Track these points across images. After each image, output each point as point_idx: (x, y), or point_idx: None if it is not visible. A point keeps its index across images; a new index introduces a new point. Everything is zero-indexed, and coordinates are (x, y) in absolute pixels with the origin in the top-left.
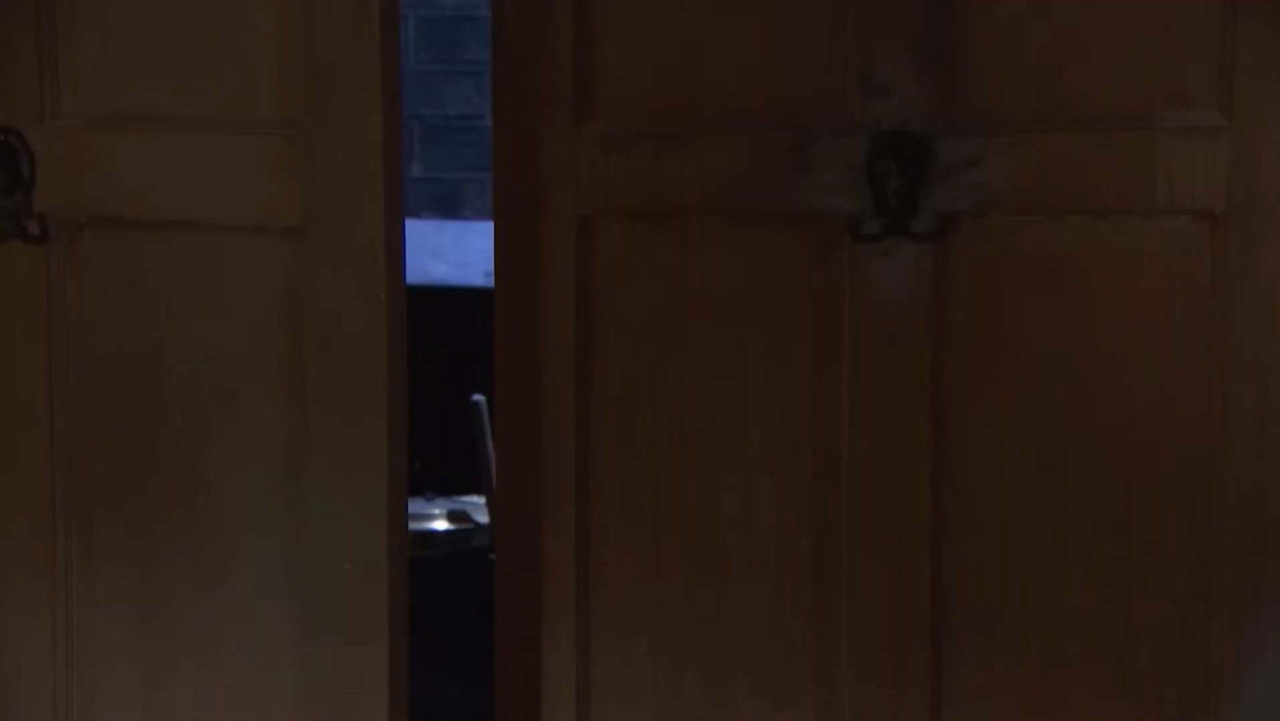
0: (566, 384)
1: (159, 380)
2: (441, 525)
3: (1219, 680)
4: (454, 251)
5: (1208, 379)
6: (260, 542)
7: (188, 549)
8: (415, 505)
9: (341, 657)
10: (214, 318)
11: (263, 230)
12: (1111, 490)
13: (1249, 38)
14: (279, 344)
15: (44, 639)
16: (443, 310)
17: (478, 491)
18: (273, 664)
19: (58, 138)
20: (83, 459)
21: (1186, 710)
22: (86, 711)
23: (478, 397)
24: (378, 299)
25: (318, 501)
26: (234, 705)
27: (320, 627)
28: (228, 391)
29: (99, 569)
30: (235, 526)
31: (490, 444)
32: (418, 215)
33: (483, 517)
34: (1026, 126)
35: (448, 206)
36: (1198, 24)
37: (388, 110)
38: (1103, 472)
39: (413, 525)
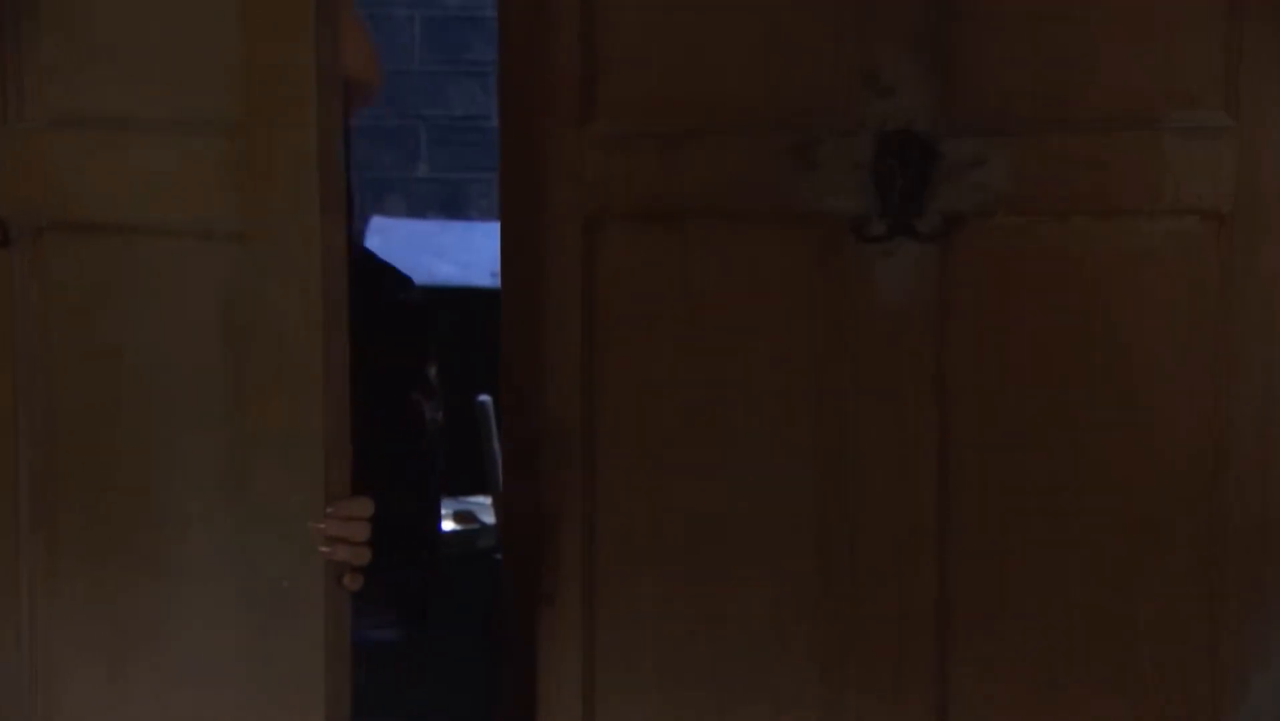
0: (572, 384)
1: (117, 384)
2: (448, 525)
3: (1223, 681)
4: (459, 252)
5: (1213, 379)
6: (211, 551)
7: (145, 552)
8: None
9: (282, 656)
10: (168, 324)
11: (210, 235)
12: (1116, 491)
13: (1255, 38)
14: (227, 351)
15: (9, 636)
16: (448, 311)
17: (484, 492)
18: (224, 661)
19: (20, 141)
20: (47, 461)
21: (1191, 711)
22: (53, 704)
23: (484, 398)
24: (314, 306)
25: (259, 512)
26: (189, 700)
27: (265, 629)
28: (180, 398)
29: (62, 568)
30: (188, 534)
31: (496, 444)
32: (423, 215)
33: (489, 518)
34: (1032, 126)
35: (453, 207)
36: (1203, 24)
37: (323, 112)
38: (1107, 473)
39: None
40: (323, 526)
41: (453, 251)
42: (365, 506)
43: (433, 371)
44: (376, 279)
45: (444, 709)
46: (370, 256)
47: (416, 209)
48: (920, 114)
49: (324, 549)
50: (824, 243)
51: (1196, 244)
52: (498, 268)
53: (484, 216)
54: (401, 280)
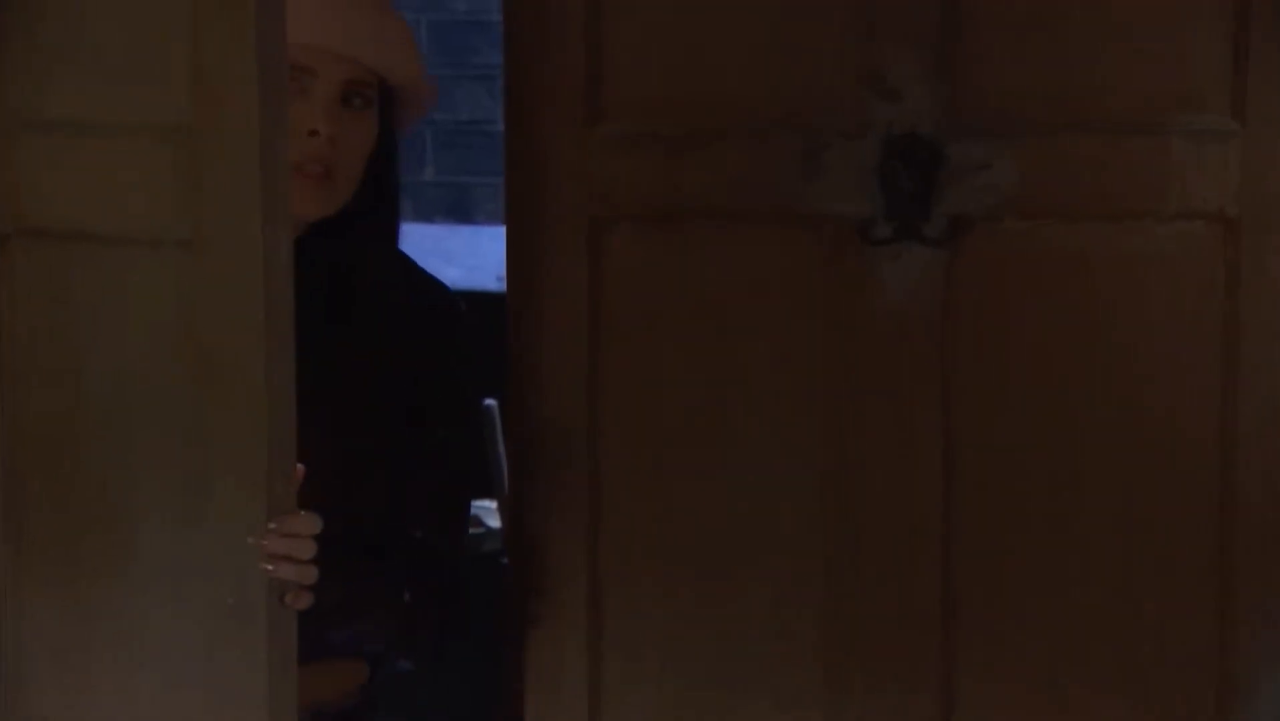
0: (577, 386)
1: (82, 392)
2: None
3: (1229, 682)
4: (466, 255)
5: (1221, 382)
6: (170, 560)
7: (110, 557)
8: None
9: (229, 670)
10: (126, 333)
11: (161, 242)
12: (1122, 493)
13: (1262, 42)
14: (179, 362)
15: None
16: None
17: (489, 495)
18: (184, 668)
19: None
20: (14, 466)
21: (1192, 712)
22: (24, 706)
23: (489, 402)
24: (256, 318)
25: (210, 525)
26: (153, 703)
27: (213, 641)
28: (141, 407)
29: (30, 572)
30: (150, 541)
31: (502, 448)
32: (430, 220)
33: (494, 522)
34: (1039, 130)
35: (460, 211)
36: (1210, 28)
37: (266, 117)
38: (1114, 476)
39: None
40: (265, 542)
41: (459, 256)
42: (311, 523)
43: (469, 400)
44: (419, 292)
45: (449, 710)
46: (412, 266)
47: (423, 213)
48: (926, 117)
49: (266, 566)
50: (830, 245)
51: (1203, 247)
52: (504, 271)
53: (490, 220)
54: (448, 297)
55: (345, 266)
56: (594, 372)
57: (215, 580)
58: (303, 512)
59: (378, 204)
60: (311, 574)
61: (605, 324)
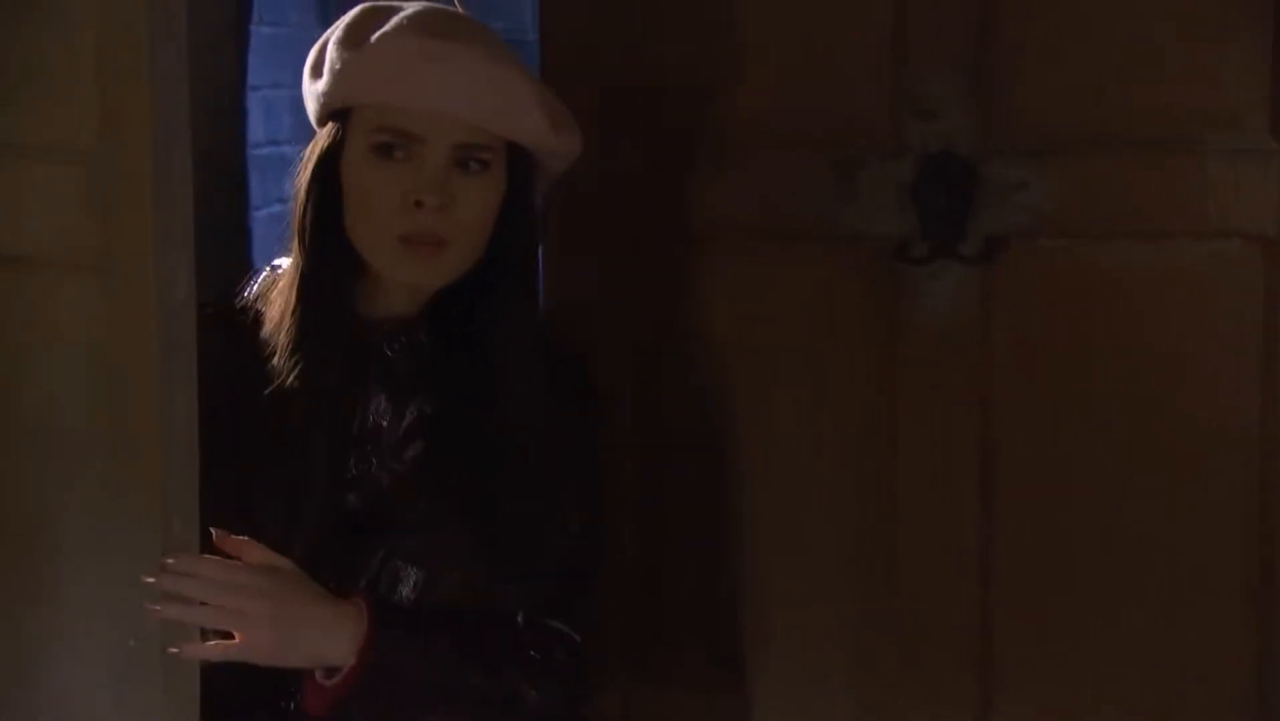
0: (624, 400)
1: (14, 421)
2: None
3: (1272, 703)
4: None
5: (1260, 402)
6: (86, 594)
7: (35, 583)
8: None
9: (131, 712)
10: (52, 359)
11: (79, 268)
12: (1161, 512)
13: None
14: (95, 391)
15: None
16: None
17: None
18: (97, 703)
19: None
20: None
21: None
22: None
23: None
24: (152, 348)
25: (119, 561)
26: None
27: (119, 681)
28: (65, 437)
29: None
30: (72, 571)
31: None
32: None
33: None
34: (1075, 149)
35: None
36: (1248, 47)
37: (163, 142)
38: (1152, 495)
39: None
40: (154, 580)
41: None
42: (212, 566)
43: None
44: (556, 366)
45: None
46: (549, 337)
47: None
48: (962, 137)
49: (154, 605)
50: (867, 265)
51: (1241, 266)
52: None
53: None
54: (585, 373)
55: (475, 337)
56: (633, 390)
57: (119, 620)
58: (208, 555)
59: (508, 268)
60: (204, 616)
61: (644, 339)
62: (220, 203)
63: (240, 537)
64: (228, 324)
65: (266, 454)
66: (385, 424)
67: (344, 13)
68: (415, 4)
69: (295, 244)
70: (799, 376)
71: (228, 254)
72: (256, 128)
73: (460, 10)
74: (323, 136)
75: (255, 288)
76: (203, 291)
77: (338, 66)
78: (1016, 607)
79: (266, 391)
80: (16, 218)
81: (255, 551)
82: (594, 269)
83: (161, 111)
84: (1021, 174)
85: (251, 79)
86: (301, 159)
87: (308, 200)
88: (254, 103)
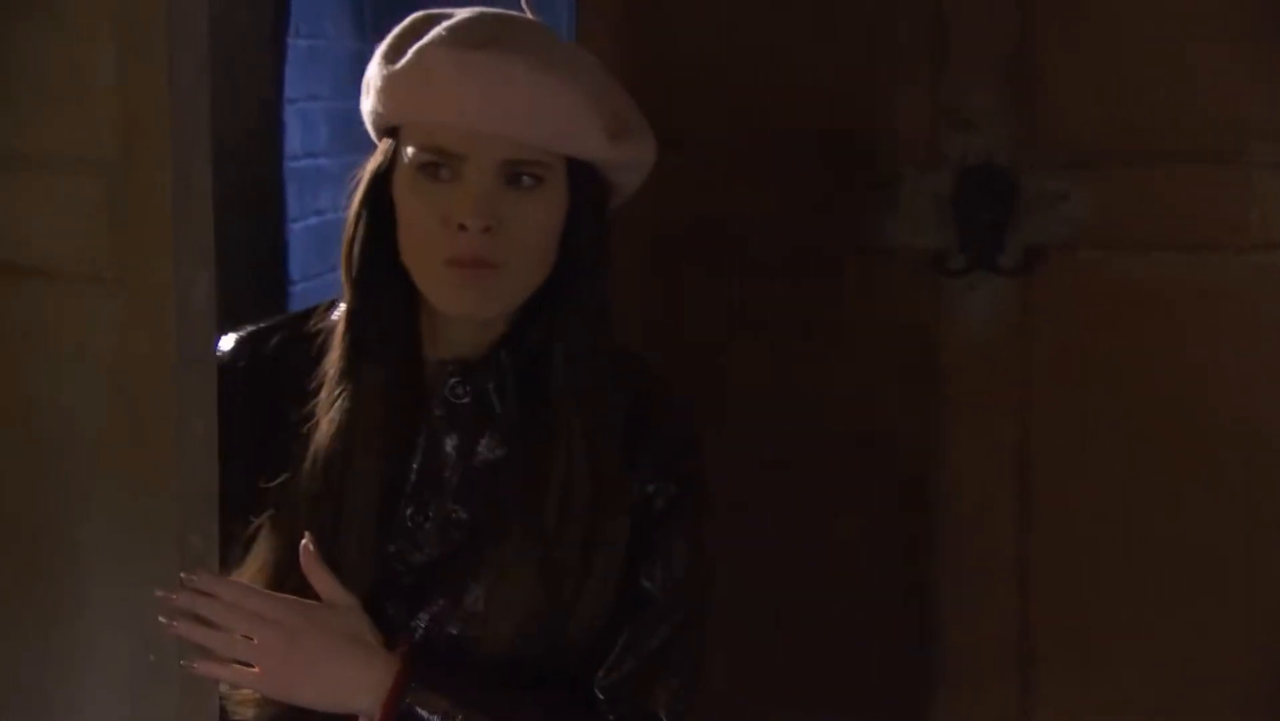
0: None
1: (31, 432)
2: None
3: None
4: None
5: None
6: (111, 607)
7: (61, 598)
8: None
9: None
10: (76, 372)
11: (99, 280)
12: (1201, 523)
13: None
14: (116, 405)
15: None
16: None
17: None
18: (115, 712)
19: None
20: None
21: None
22: None
23: None
24: (167, 361)
25: (135, 581)
26: None
27: (138, 700)
28: (89, 449)
29: None
30: (99, 585)
31: None
32: None
33: None
34: (1115, 160)
35: None
36: None
37: (182, 153)
38: (1192, 506)
39: None
40: (172, 596)
41: None
42: (230, 589)
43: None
44: (632, 385)
45: None
46: (621, 357)
47: None
48: (1001, 148)
49: (170, 622)
50: (907, 276)
51: None
52: None
53: None
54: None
55: (543, 364)
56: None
57: (138, 633)
58: (229, 578)
59: (572, 293)
60: (222, 642)
61: (677, 350)
62: (257, 215)
63: (313, 554)
64: (293, 352)
65: (312, 499)
66: (446, 471)
67: (380, 25)
68: (466, 10)
69: (343, 271)
70: (838, 386)
71: (264, 266)
72: (293, 140)
73: (524, 11)
74: (375, 155)
75: (335, 314)
76: (238, 304)
77: (378, 84)
78: (1055, 617)
79: (305, 430)
80: (36, 229)
81: (322, 578)
82: (621, 276)
83: (181, 123)
84: (1062, 185)
85: (288, 91)
86: (354, 179)
87: (357, 223)
88: (291, 115)
